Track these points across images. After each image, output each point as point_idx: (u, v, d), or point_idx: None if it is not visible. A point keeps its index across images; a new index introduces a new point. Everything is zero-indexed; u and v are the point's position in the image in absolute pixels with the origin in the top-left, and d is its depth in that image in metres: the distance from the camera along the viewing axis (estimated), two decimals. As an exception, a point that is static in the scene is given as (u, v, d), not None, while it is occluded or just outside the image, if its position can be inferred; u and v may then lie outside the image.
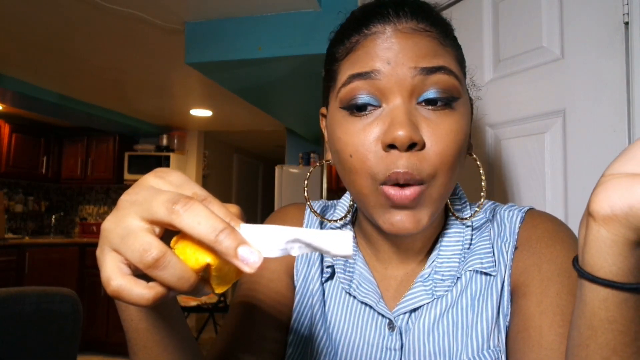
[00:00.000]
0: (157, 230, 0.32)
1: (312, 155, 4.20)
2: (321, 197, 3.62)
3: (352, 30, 0.52)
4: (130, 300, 0.31)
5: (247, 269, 0.30)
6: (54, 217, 5.03)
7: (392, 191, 0.47)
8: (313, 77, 2.27)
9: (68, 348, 1.16)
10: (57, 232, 5.01)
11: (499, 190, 1.07)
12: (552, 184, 0.95)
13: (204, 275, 0.33)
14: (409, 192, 0.47)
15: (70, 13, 2.12)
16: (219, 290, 0.35)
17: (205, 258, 0.32)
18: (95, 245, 4.39)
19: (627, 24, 0.85)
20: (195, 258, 0.32)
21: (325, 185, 3.74)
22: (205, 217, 0.30)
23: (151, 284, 0.32)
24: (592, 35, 0.90)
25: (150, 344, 0.44)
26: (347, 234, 0.33)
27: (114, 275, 0.31)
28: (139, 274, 0.32)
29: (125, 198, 0.33)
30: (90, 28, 2.29)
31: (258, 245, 0.32)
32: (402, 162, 0.47)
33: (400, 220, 0.49)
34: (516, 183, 1.03)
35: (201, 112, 4.15)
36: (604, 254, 0.34)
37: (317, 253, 0.62)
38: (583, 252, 0.36)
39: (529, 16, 1.01)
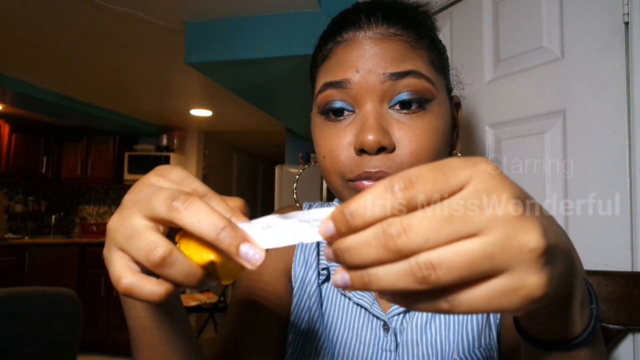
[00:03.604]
0: (162, 228, 0.33)
1: (312, 155, 4.19)
2: (321, 198, 3.62)
3: (327, 38, 0.55)
4: (142, 297, 0.32)
5: (249, 266, 0.30)
6: (54, 217, 5.02)
7: (366, 184, 0.49)
8: (313, 77, 2.27)
9: (68, 348, 1.16)
10: (57, 232, 5.00)
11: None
12: (552, 184, 0.95)
13: (209, 269, 0.33)
14: None
15: (70, 13, 2.12)
16: (226, 282, 0.35)
17: (209, 255, 0.32)
18: (95, 245, 4.32)
19: (627, 24, 0.85)
20: (199, 255, 0.32)
21: (325, 185, 3.74)
22: (205, 215, 0.30)
23: (161, 280, 0.32)
24: (592, 35, 0.90)
25: (156, 342, 0.44)
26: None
27: (125, 273, 0.32)
28: (147, 272, 0.32)
29: (128, 197, 0.34)
30: (90, 28, 2.29)
31: (260, 238, 0.32)
32: (373, 164, 0.48)
33: None
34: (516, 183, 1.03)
35: (201, 112, 4.14)
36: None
37: (314, 255, 0.62)
38: None
39: (529, 16, 1.01)
